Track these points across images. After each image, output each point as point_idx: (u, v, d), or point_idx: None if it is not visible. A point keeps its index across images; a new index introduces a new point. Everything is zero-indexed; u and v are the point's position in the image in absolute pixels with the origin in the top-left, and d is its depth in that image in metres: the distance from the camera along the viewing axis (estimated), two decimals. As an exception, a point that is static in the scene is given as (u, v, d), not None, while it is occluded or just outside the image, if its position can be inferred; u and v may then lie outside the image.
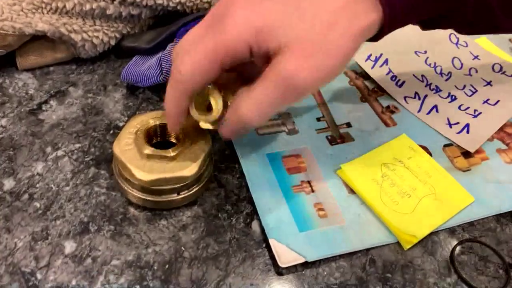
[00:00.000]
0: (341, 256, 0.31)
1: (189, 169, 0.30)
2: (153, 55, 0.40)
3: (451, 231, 0.33)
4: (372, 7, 0.27)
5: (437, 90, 0.42)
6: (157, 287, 0.29)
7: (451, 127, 0.39)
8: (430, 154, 0.37)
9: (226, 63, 0.26)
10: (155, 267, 0.30)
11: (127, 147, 0.31)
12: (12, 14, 0.35)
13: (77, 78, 0.40)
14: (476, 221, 0.34)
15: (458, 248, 0.33)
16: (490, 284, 0.31)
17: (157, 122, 0.33)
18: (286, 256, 0.30)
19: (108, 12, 0.38)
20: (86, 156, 0.35)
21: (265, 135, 0.38)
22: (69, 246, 0.30)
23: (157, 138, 0.33)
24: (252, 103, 0.26)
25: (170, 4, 0.39)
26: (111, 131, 0.36)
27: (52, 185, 0.33)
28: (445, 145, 0.38)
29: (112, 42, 0.40)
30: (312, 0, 0.26)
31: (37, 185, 0.33)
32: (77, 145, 0.35)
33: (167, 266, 0.30)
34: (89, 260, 0.29)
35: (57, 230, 0.30)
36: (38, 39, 0.38)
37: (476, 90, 0.43)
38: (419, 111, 0.40)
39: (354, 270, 0.31)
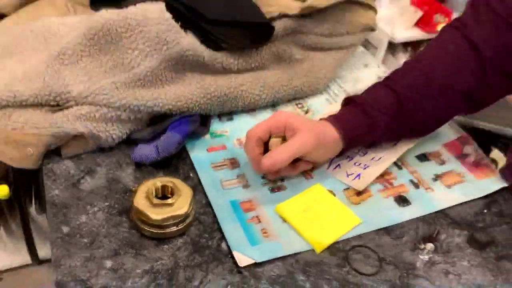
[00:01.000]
0: (277, 259, 0.50)
1: (183, 209, 0.49)
2: (152, 143, 0.60)
3: (347, 240, 0.53)
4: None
5: (340, 154, 0.64)
6: (165, 285, 0.47)
7: (348, 176, 0.61)
8: (334, 195, 0.58)
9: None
10: (162, 273, 0.48)
11: (142, 201, 0.50)
12: (63, 123, 0.56)
13: (101, 160, 0.60)
14: (363, 234, 0.54)
15: (351, 251, 0.52)
16: (369, 270, 0.50)
17: (159, 184, 0.52)
18: (243, 260, 0.49)
19: (121, 117, 0.59)
20: (112, 210, 0.54)
21: (228, 189, 0.58)
22: (108, 263, 0.48)
23: (159, 194, 0.53)
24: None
25: (162, 110, 0.61)
26: (127, 193, 0.56)
27: (93, 228, 0.51)
28: (344, 189, 0.59)
29: (124, 136, 0.60)
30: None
31: (84, 229, 0.51)
32: (106, 203, 0.54)
33: (170, 271, 0.48)
34: (121, 271, 0.47)
35: (100, 255, 0.49)
36: (76, 136, 0.58)
37: (367, 152, 0.65)
38: (327, 168, 0.62)
39: (286, 266, 0.50)
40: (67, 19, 0.65)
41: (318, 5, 0.70)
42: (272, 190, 0.58)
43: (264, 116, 0.69)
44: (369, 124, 0.60)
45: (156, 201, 0.50)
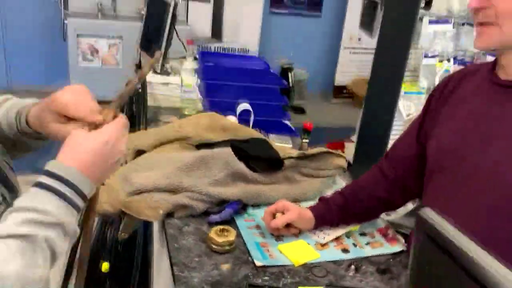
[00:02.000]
0: (275, 265, 1.04)
1: (232, 238, 1.06)
2: (218, 214, 1.19)
3: (311, 263, 1.06)
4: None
5: (315, 227, 1.19)
6: (221, 269, 1.01)
7: (318, 237, 1.15)
8: (309, 244, 1.13)
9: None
10: (221, 265, 1.02)
11: (213, 234, 1.07)
12: (177, 199, 1.16)
13: (193, 220, 1.18)
14: (320, 262, 1.07)
15: (313, 267, 1.05)
16: (321, 275, 1.02)
17: (220, 227, 1.09)
18: (258, 263, 1.03)
19: (204, 199, 1.19)
20: (198, 239, 1.10)
21: (255, 237, 1.13)
22: (196, 259, 1.03)
23: (221, 232, 1.10)
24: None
25: (224, 198, 1.21)
26: (204, 234, 1.13)
27: (189, 246, 1.08)
28: (314, 243, 1.14)
29: (205, 209, 1.20)
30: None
31: (185, 246, 1.07)
32: (195, 237, 1.11)
33: (224, 264, 1.02)
34: (202, 261, 1.02)
35: (192, 255, 1.04)
36: (182, 206, 1.18)
37: (330, 228, 1.20)
38: (309, 232, 1.17)
39: (279, 269, 1.03)
40: (183, 153, 1.32)
41: (308, 153, 1.34)
42: (276, 239, 1.14)
43: (277, 208, 1.26)
44: (329, 212, 1.17)
45: (219, 233, 1.07)
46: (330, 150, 1.38)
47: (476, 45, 0.96)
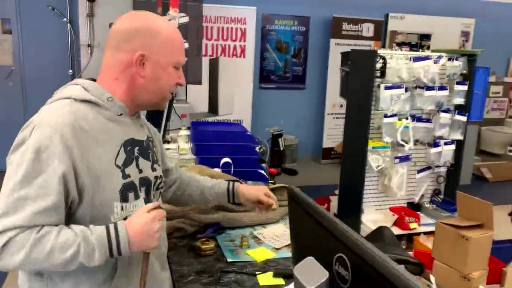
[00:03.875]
0: (241, 261, 1.49)
1: (211, 246, 1.52)
2: (203, 233, 1.65)
3: (268, 259, 1.51)
4: None
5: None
6: (205, 263, 1.46)
7: (275, 244, 1.61)
8: (268, 249, 1.58)
9: None
10: (204, 262, 1.47)
11: (199, 244, 1.54)
12: (173, 224, 1.63)
13: (186, 238, 1.64)
14: (276, 258, 1.52)
15: (268, 262, 1.50)
16: (272, 265, 1.47)
17: (204, 239, 1.56)
18: (229, 259, 1.48)
19: (193, 224, 1.66)
20: (187, 247, 1.56)
21: (227, 247, 1.59)
22: (189, 257, 1.49)
23: (205, 242, 1.56)
24: None
25: (208, 222, 1.68)
26: (194, 243, 1.59)
27: (183, 252, 1.53)
28: (273, 248, 1.59)
29: (194, 230, 1.66)
30: None
31: (181, 251, 1.53)
32: (186, 246, 1.57)
33: (207, 263, 1.48)
34: (192, 261, 1.48)
35: (186, 257, 1.50)
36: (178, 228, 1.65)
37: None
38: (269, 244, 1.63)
39: (244, 263, 1.48)
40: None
41: (271, 187, 1.83)
42: (245, 248, 1.59)
43: (246, 229, 1.72)
44: None
45: (203, 242, 1.53)
46: (287, 185, 1.86)
47: None
